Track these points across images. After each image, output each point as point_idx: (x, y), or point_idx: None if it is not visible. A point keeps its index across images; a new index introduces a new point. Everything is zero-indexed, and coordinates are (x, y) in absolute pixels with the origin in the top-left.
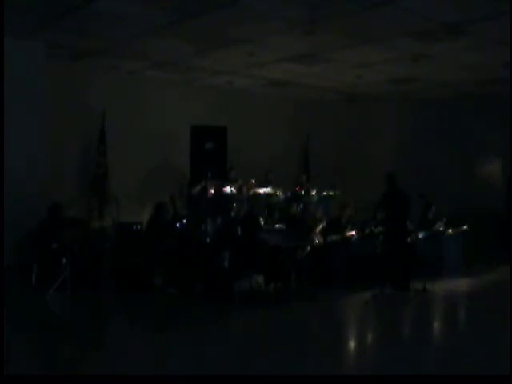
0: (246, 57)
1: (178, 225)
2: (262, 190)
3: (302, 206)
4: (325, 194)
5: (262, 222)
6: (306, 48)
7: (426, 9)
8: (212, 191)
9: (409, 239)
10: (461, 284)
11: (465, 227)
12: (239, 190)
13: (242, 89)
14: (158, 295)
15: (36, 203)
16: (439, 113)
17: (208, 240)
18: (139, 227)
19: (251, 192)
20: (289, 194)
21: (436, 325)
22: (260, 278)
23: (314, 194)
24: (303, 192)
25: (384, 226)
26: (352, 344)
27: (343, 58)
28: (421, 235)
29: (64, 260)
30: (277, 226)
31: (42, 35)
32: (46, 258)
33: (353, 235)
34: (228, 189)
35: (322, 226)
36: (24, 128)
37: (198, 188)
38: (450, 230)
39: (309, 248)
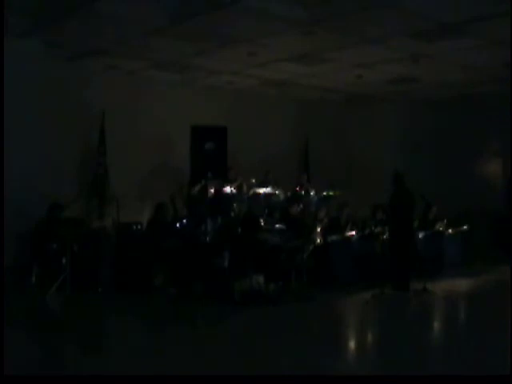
0: (246, 57)
1: (178, 225)
2: (261, 190)
3: (301, 206)
4: (325, 193)
5: (262, 222)
6: (306, 48)
7: (426, 9)
8: (212, 191)
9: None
10: (461, 284)
11: (465, 227)
12: (239, 189)
13: (241, 89)
14: (157, 295)
15: (36, 203)
16: (439, 113)
17: (208, 240)
18: (139, 227)
19: (251, 192)
20: (289, 193)
21: (436, 325)
22: (260, 278)
23: (313, 193)
24: (303, 192)
25: (390, 225)
26: (352, 344)
27: (343, 58)
28: (421, 235)
29: (64, 260)
30: (277, 226)
31: (42, 35)
32: (46, 258)
33: (353, 235)
34: (228, 189)
35: (322, 226)
36: (24, 128)
37: (197, 188)
38: (450, 230)
39: (310, 248)
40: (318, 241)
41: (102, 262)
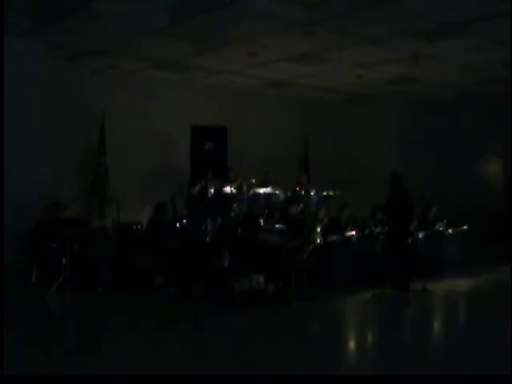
0: (246, 57)
1: (178, 225)
2: (261, 190)
3: (301, 206)
4: (325, 193)
5: (262, 222)
6: (306, 48)
7: (426, 9)
8: (212, 191)
9: (409, 240)
10: (461, 284)
11: (465, 227)
12: (239, 189)
13: (242, 89)
14: (157, 295)
15: (36, 203)
16: (439, 113)
17: (208, 240)
18: (139, 227)
19: (251, 192)
20: (289, 194)
21: (436, 325)
22: (260, 278)
23: (313, 193)
24: (303, 192)
25: (387, 225)
26: (352, 344)
27: (343, 58)
28: (421, 235)
29: (64, 260)
30: (277, 226)
31: (41, 35)
32: (46, 258)
33: (353, 235)
34: (228, 189)
35: (322, 226)
36: (24, 128)
37: (197, 188)
38: (450, 230)
39: (310, 248)
40: (318, 241)
41: (102, 262)
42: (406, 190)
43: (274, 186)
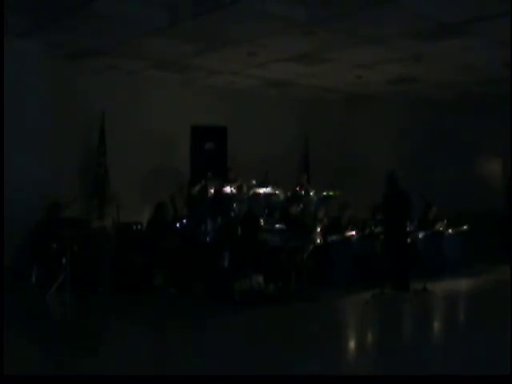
0: (246, 57)
1: (178, 225)
2: (261, 190)
3: (301, 206)
4: (325, 194)
5: (262, 222)
6: (306, 48)
7: (426, 9)
8: (212, 191)
9: (408, 239)
10: (461, 284)
11: (465, 227)
12: (239, 189)
13: (242, 89)
14: (157, 295)
15: (36, 203)
16: (439, 113)
17: (208, 240)
18: (139, 227)
19: (251, 192)
20: (289, 193)
21: (436, 325)
22: (260, 278)
23: (313, 194)
24: (303, 192)
25: (384, 225)
26: (352, 344)
27: (343, 58)
28: (421, 235)
29: (64, 260)
30: (277, 226)
31: (42, 35)
32: (46, 258)
33: (353, 235)
34: (228, 189)
35: (322, 226)
36: (24, 128)
37: (197, 188)
38: (450, 230)
39: (310, 248)
40: (318, 241)
41: (101, 262)
42: (403, 190)
43: (274, 186)
